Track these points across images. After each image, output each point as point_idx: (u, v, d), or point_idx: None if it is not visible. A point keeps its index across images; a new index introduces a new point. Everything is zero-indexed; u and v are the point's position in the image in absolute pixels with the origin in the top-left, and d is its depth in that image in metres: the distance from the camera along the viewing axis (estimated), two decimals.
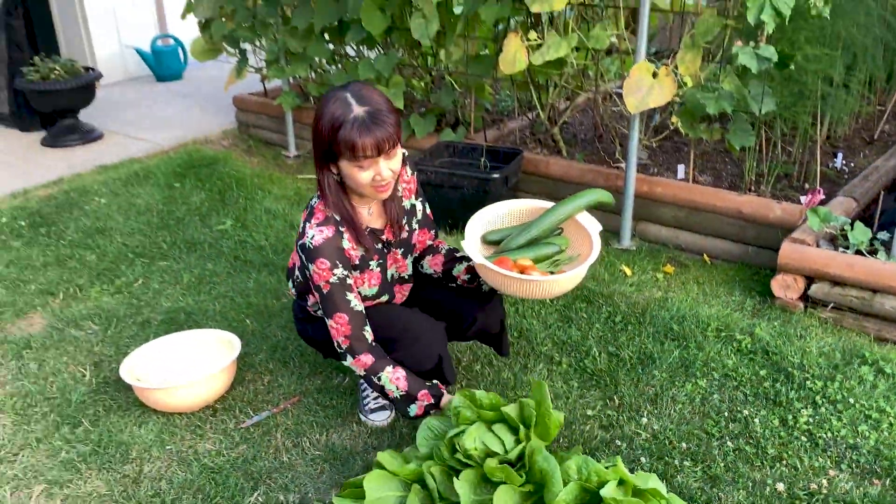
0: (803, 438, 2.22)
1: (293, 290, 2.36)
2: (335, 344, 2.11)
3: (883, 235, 2.88)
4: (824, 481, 2.05)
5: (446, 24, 3.81)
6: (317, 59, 4.52)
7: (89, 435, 2.38)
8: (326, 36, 4.37)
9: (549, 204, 2.41)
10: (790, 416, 2.30)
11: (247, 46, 4.82)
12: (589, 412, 2.39)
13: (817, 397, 2.37)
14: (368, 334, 2.11)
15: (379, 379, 2.10)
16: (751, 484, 2.05)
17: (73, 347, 2.85)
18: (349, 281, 2.06)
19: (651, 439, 2.24)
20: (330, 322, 2.08)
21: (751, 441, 2.21)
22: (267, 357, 2.76)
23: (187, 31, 5.54)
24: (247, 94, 5.24)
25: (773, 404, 2.37)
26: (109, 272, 3.41)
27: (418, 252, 2.39)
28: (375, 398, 2.39)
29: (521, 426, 1.91)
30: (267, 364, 2.72)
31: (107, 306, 3.14)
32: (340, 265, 2.03)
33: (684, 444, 2.21)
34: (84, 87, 4.86)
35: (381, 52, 4.24)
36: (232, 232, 3.76)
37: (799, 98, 3.18)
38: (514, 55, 3.41)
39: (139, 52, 6.43)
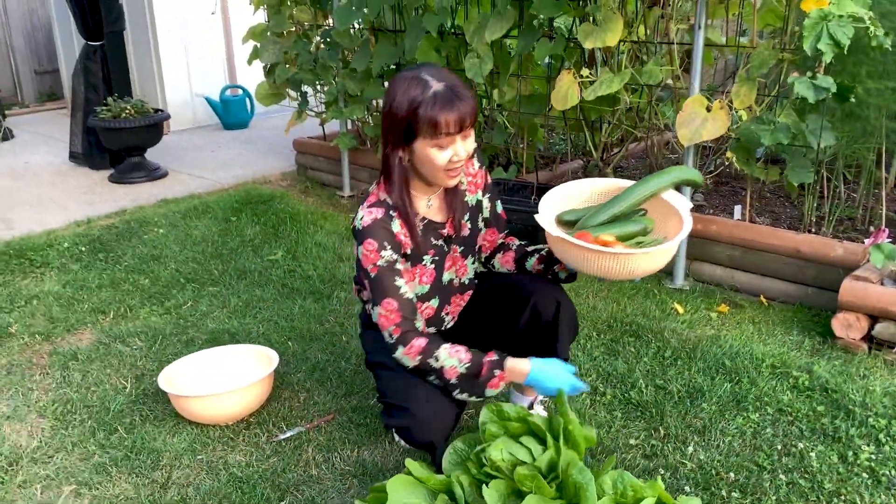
0: (864, 475, 2.05)
1: (356, 288, 2.29)
2: (385, 336, 1.95)
3: None
4: None
5: (500, 64, 3.85)
6: (374, 101, 4.61)
7: (123, 441, 2.37)
8: (383, 79, 4.48)
9: (629, 182, 2.18)
10: (850, 453, 2.14)
11: (308, 90, 4.97)
12: (632, 441, 2.27)
13: (881, 435, 2.21)
14: (420, 322, 1.99)
15: (437, 359, 1.91)
16: None
17: (118, 361, 2.89)
18: (399, 266, 1.94)
19: (696, 469, 2.11)
20: (378, 310, 1.93)
21: (806, 475, 2.06)
22: (305, 377, 2.74)
23: (255, 81, 5.75)
24: (306, 137, 5.38)
25: (831, 440, 2.21)
26: (160, 295, 3.47)
27: (487, 252, 2.27)
28: None
29: (550, 437, 1.82)
30: (304, 383, 2.69)
31: (154, 325, 3.18)
32: (389, 247, 1.92)
33: (732, 475, 2.07)
34: (152, 126, 5.06)
35: None
36: (282, 262, 3.80)
37: (861, 135, 3.07)
38: (567, 91, 3.41)
39: (208, 100, 6.69)
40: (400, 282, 1.94)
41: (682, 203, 2.08)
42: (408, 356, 1.94)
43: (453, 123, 1.82)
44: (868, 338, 2.76)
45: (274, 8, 4.91)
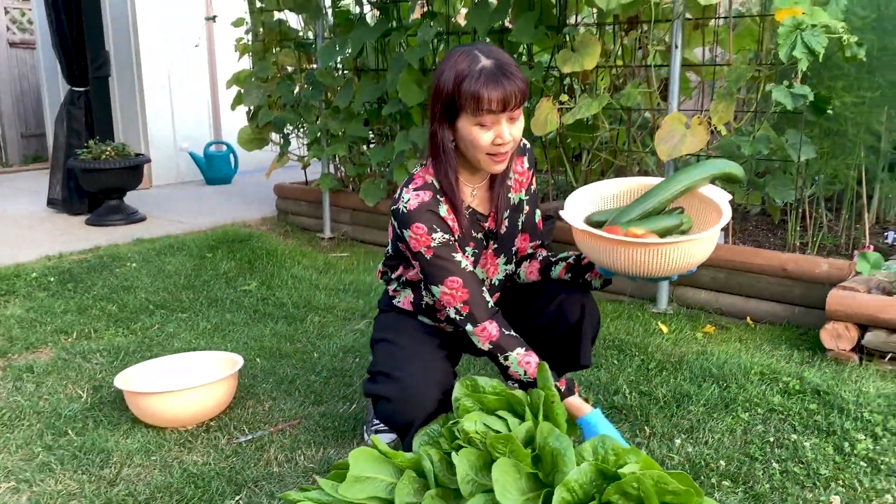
0: (862, 464, 1.93)
1: (381, 270, 2.13)
2: (451, 312, 1.85)
3: None
4: (890, 500, 1.75)
5: None
6: (356, 137, 4.61)
7: (72, 443, 2.21)
8: (368, 124, 4.49)
9: (661, 179, 2.00)
10: (846, 444, 2.02)
11: (290, 130, 4.97)
12: None
13: (877, 429, 2.09)
14: (489, 296, 1.87)
15: (506, 359, 1.83)
16: (801, 501, 1.76)
17: (76, 374, 2.74)
18: (452, 242, 1.83)
19: (685, 461, 1.98)
20: (442, 289, 1.82)
21: (801, 464, 1.93)
22: (272, 387, 2.60)
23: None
24: (288, 182, 5.35)
25: (825, 434, 2.09)
26: (128, 319, 3.34)
27: (517, 258, 2.10)
28: None
29: (528, 411, 1.70)
30: (271, 393, 2.55)
31: (118, 344, 3.04)
32: (440, 230, 1.82)
33: (723, 463, 1.94)
34: (132, 167, 5.03)
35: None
36: (256, 291, 3.69)
37: (841, 151, 3.07)
38: (546, 117, 3.41)
39: (192, 155, 6.70)
40: (458, 257, 1.83)
41: (719, 196, 1.90)
42: (478, 337, 1.85)
43: (496, 101, 1.72)
44: (858, 348, 2.66)
45: (259, 54, 4.97)
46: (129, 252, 4.36)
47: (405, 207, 1.81)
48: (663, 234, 1.84)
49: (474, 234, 1.94)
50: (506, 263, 2.04)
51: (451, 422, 1.73)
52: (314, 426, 2.30)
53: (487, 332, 1.83)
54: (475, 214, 1.94)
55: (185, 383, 2.33)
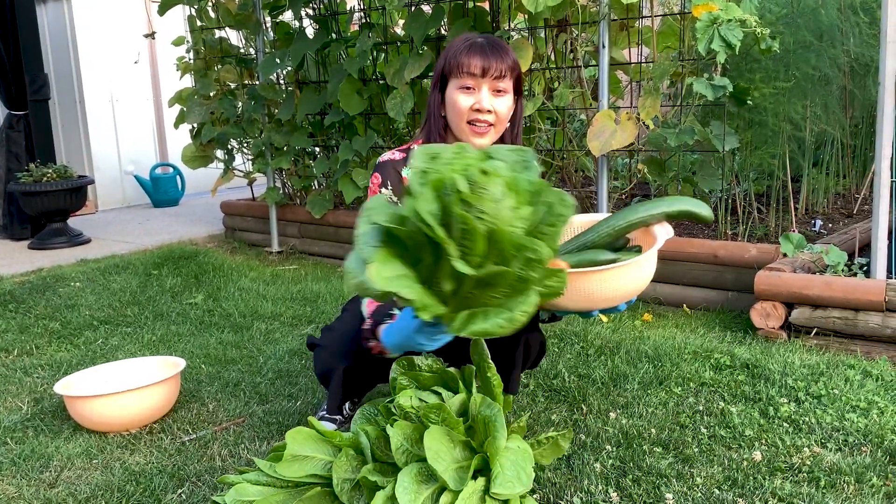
0: (785, 424, 2.02)
1: None
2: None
3: (861, 260, 2.79)
4: (807, 453, 1.83)
5: (420, 104, 3.94)
6: (301, 150, 4.65)
7: (10, 452, 2.19)
8: (313, 136, 4.53)
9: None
10: (770, 409, 2.11)
11: (234, 145, 4.98)
12: (553, 417, 2.19)
13: (800, 394, 2.19)
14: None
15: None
16: (726, 461, 1.84)
17: (17, 388, 2.70)
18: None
19: (618, 433, 2.04)
20: None
21: (728, 428, 2.01)
22: (217, 390, 2.60)
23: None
24: (234, 199, 5.35)
25: (752, 402, 2.18)
26: (71, 335, 3.31)
27: None
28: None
29: (462, 385, 1.74)
30: (216, 395, 2.56)
31: (61, 358, 3.01)
32: (390, 188, 1.90)
33: (654, 432, 2.01)
34: (75, 189, 4.98)
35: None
36: (202, 304, 3.68)
37: (763, 141, 3.21)
38: None
39: (138, 178, 6.65)
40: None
41: (663, 233, 1.75)
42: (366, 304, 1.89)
43: (477, 66, 1.83)
44: (786, 326, 2.77)
45: (200, 72, 4.99)
46: (73, 272, 4.32)
47: (378, 159, 1.95)
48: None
49: None
50: None
51: (388, 399, 1.77)
52: (259, 423, 2.31)
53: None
54: None
55: (126, 386, 2.33)
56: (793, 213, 3.49)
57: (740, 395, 2.23)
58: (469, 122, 1.87)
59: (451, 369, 1.80)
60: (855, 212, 4.21)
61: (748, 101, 2.97)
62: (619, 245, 1.82)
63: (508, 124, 1.96)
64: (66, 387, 2.34)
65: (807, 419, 2.03)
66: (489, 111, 1.86)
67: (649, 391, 2.32)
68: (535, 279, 1.35)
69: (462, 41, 1.89)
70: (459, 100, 1.86)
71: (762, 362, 2.44)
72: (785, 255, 2.97)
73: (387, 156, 1.96)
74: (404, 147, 1.99)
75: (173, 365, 2.49)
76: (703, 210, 1.78)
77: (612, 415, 2.15)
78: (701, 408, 2.15)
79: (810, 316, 2.70)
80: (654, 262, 1.71)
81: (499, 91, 1.86)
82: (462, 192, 1.32)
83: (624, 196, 3.85)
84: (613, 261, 1.72)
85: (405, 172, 1.90)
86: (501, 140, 1.97)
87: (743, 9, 2.91)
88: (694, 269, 3.24)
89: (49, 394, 2.62)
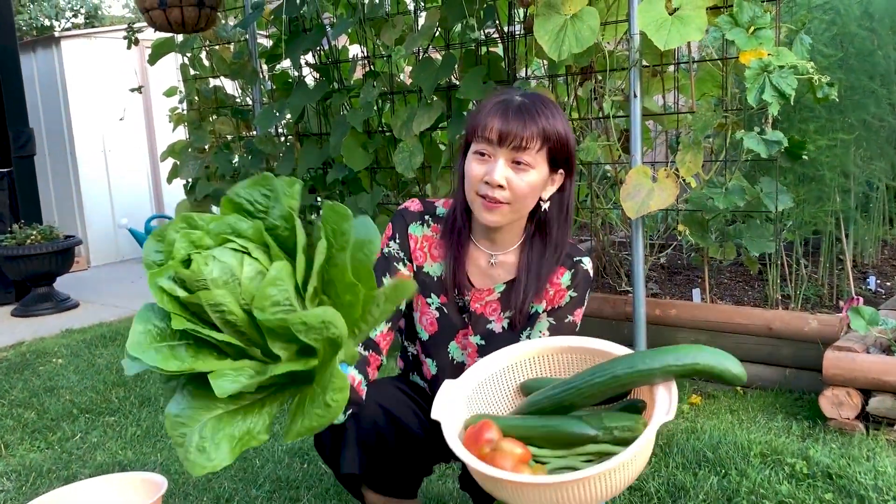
0: None
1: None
2: None
3: None
4: None
5: (431, 158, 3.61)
6: (302, 206, 4.32)
7: None
8: (315, 192, 4.21)
9: (623, 350, 1.42)
10: None
11: None
12: None
13: None
14: (382, 337, 1.61)
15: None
16: None
17: None
18: (398, 265, 1.66)
19: None
20: None
21: None
22: None
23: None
24: None
25: None
26: (46, 429, 2.95)
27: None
28: None
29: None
30: None
31: (31, 462, 2.65)
32: (398, 241, 1.67)
33: None
34: (61, 251, 4.66)
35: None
36: None
37: (818, 198, 2.86)
38: None
39: (132, 232, 6.33)
40: (386, 280, 1.65)
41: (664, 404, 1.30)
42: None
43: (496, 130, 1.49)
44: (863, 416, 2.40)
45: (194, 123, 4.69)
46: (57, 346, 3.98)
47: (400, 206, 1.74)
48: (564, 447, 1.31)
49: (453, 296, 1.67)
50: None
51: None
52: None
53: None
54: (467, 280, 1.66)
55: None
56: (849, 273, 3.13)
57: None
58: (480, 195, 1.54)
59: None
60: None
61: (804, 156, 2.63)
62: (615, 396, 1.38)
63: (546, 207, 1.60)
64: None
65: None
66: (500, 185, 1.50)
67: None
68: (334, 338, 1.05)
69: (493, 98, 1.57)
70: (472, 167, 1.55)
71: (846, 470, 2.06)
72: (852, 329, 2.60)
73: (406, 205, 1.72)
74: (431, 200, 1.73)
75: (153, 486, 2.13)
76: (732, 366, 1.32)
77: None
78: None
79: (892, 406, 2.33)
80: (648, 451, 1.28)
81: (520, 164, 1.51)
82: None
83: (660, 259, 3.50)
84: (593, 438, 1.28)
85: (412, 229, 1.68)
86: (546, 226, 1.62)
87: (795, 53, 2.59)
88: (744, 341, 2.88)
89: None
